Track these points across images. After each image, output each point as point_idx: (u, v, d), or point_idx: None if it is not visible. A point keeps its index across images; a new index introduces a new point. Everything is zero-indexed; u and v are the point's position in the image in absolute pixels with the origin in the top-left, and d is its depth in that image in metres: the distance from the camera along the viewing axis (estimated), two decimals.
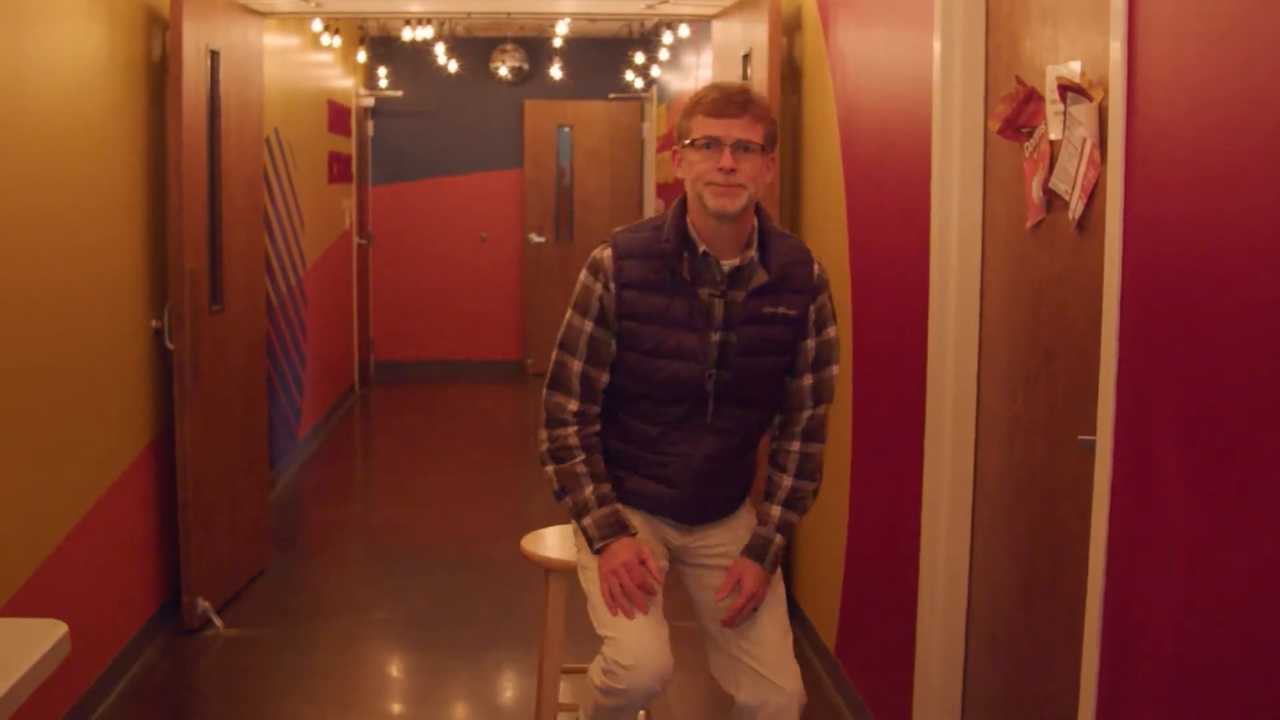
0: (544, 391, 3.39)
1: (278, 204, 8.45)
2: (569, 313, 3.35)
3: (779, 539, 3.39)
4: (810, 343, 3.35)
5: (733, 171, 3.13)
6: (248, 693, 5.18)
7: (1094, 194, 2.88)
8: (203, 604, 5.72)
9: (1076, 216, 2.97)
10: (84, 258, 4.84)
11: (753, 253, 3.26)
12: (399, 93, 12.58)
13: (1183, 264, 2.40)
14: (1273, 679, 2.13)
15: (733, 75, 6.30)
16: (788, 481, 3.42)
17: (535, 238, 13.05)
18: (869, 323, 4.63)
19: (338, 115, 11.01)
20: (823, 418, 3.43)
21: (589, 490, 3.31)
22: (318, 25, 9.49)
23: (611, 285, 3.26)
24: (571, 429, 3.32)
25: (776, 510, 3.41)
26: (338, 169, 10.99)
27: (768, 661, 3.32)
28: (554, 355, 3.37)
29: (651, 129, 12.64)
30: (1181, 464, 2.41)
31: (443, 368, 13.16)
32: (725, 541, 3.44)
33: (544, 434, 3.37)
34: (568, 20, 10.06)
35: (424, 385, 12.72)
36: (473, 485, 8.89)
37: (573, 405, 3.33)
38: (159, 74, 5.64)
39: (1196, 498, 2.36)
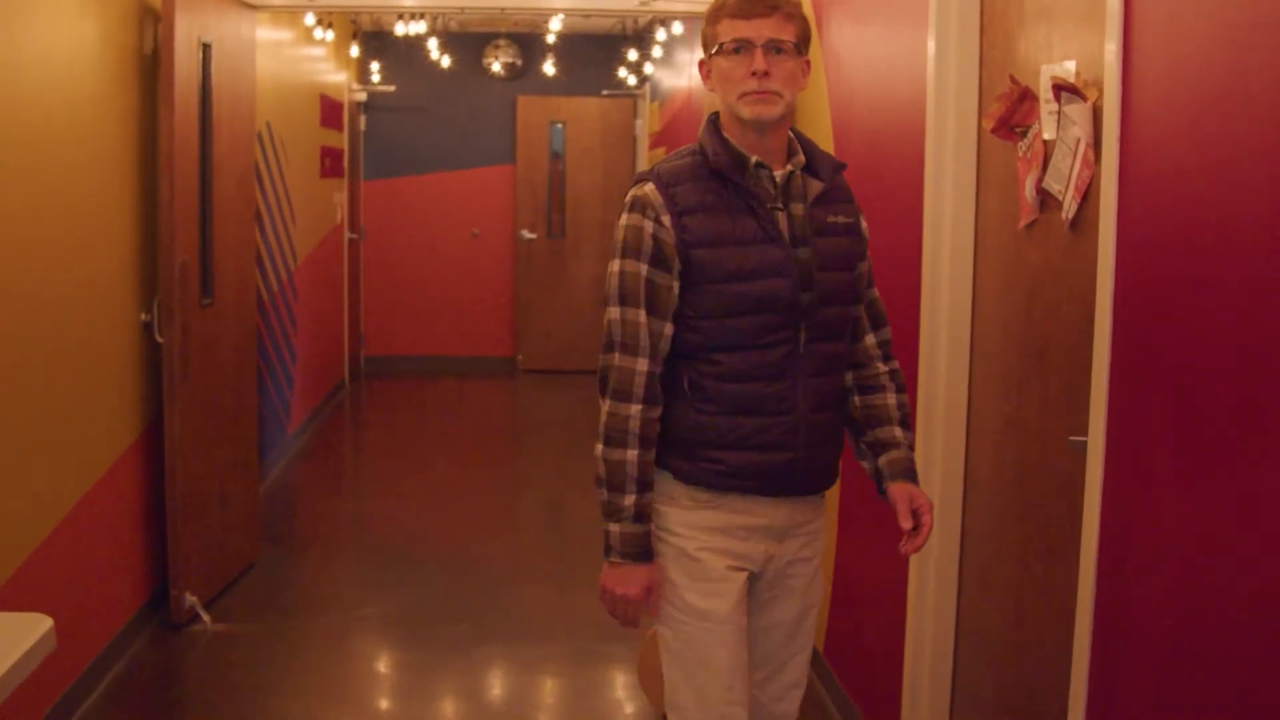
0: (601, 356, 2.98)
1: (269, 198, 8.43)
2: (616, 262, 2.96)
3: (912, 455, 3.14)
4: (865, 260, 3.13)
5: (767, 75, 2.86)
6: (235, 688, 5.17)
7: (1088, 194, 2.87)
8: (190, 598, 5.70)
9: (1070, 216, 2.97)
10: (74, 250, 4.83)
11: (800, 158, 3.00)
12: (392, 87, 12.57)
13: (1176, 265, 2.40)
14: (1263, 679, 2.12)
15: None
16: (892, 399, 3.15)
17: (527, 234, 13.04)
18: None
19: (330, 109, 10.99)
20: (890, 340, 3.22)
21: (630, 499, 2.93)
22: (310, 19, 9.47)
23: (665, 218, 2.91)
24: (635, 408, 2.92)
25: (899, 430, 3.13)
26: (330, 163, 10.97)
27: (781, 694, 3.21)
28: (609, 313, 2.96)
29: (644, 126, 12.64)
30: (1173, 465, 2.40)
31: (434, 363, 13.15)
32: (809, 555, 3.14)
33: (605, 404, 2.96)
34: (561, 16, 10.05)
35: (415, 380, 12.70)
36: (463, 481, 8.88)
37: (642, 365, 2.93)
38: (151, 66, 5.62)
39: (1188, 499, 2.35)
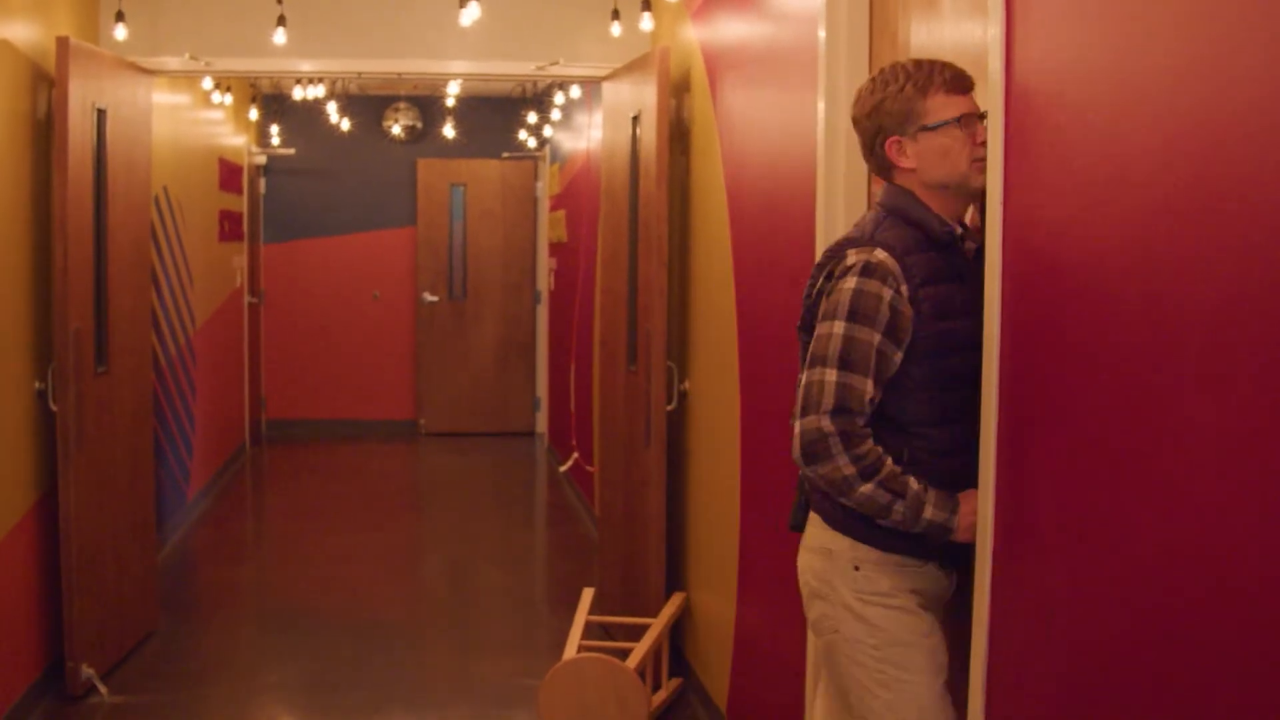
0: (815, 418, 2.85)
1: (166, 263, 8.37)
2: (842, 325, 2.84)
3: None
4: None
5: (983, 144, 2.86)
6: None
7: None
8: (87, 671, 5.61)
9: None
10: None
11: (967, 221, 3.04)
12: (292, 150, 12.53)
13: (1059, 326, 2.45)
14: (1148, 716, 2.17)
15: (623, 136, 6.35)
16: None
17: (429, 296, 13.02)
18: (757, 382, 4.67)
19: (229, 173, 10.94)
20: None
21: (914, 483, 2.84)
22: (208, 83, 9.44)
23: (904, 288, 2.84)
24: (870, 439, 2.85)
25: None
26: (229, 227, 10.91)
27: None
28: (826, 376, 2.85)
29: (545, 188, 12.68)
30: (1061, 511, 2.45)
31: (335, 427, 13.06)
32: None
33: (842, 460, 2.83)
34: (460, 80, 10.09)
35: (316, 444, 12.61)
36: (364, 545, 8.81)
37: (861, 422, 2.85)
38: (45, 132, 5.59)
39: (1078, 542, 2.39)
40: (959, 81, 2.91)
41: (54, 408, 5.49)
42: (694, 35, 5.66)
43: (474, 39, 6.59)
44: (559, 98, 10.49)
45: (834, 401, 2.83)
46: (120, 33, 6.06)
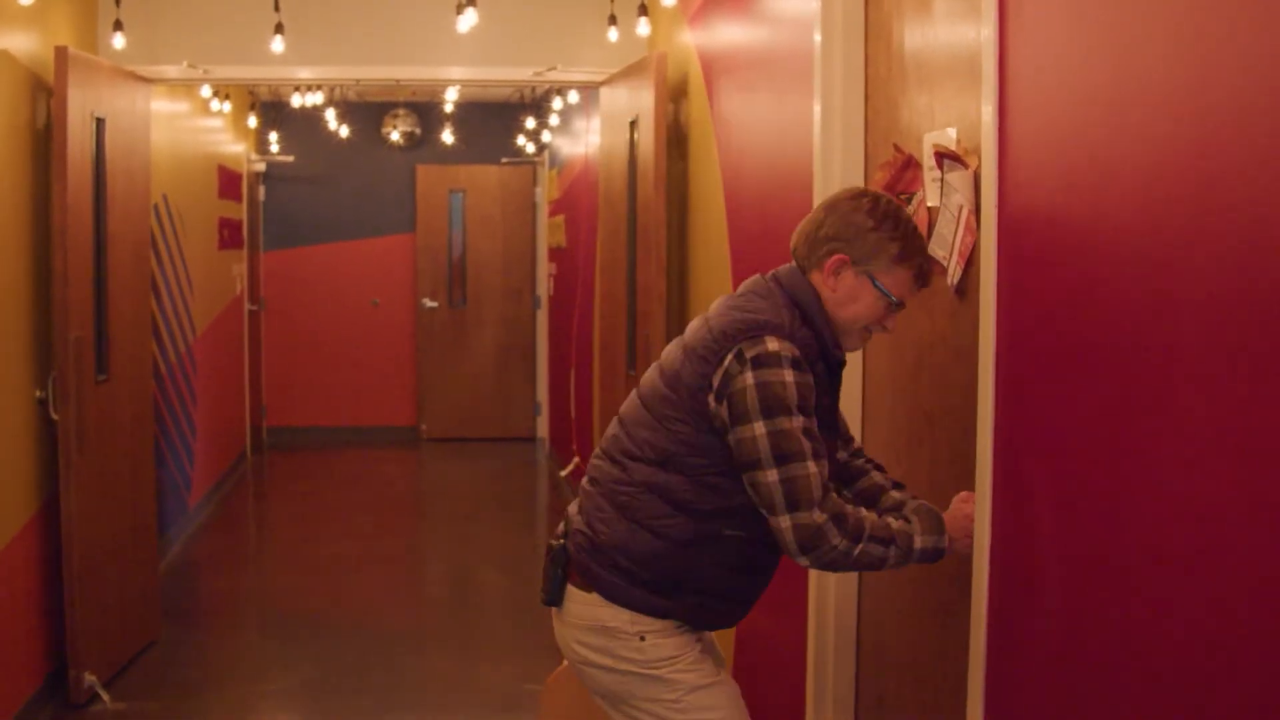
0: (788, 518, 2.83)
1: (166, 271, 8.37)
2: (767, 423, 2.82)
3: None
4: None
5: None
6: None
7: (971, 259, 2.93)
8: (89, 678, 5.62)
9: (955, 282, 3.02)
10: None
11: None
12: (290, 157, 12.53)
13: (1055, 329, 2.46)
14: None
15: (621, 141, 6.36)
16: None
17: (428, 302, 13.03)
18: None
19: (228, 180, 10.95)
20: None
21: (896, 523, 2.89)
22: (207, 91, 9.44)
23: (808, 375, 2.87)
24: (842, 503, 2.89)
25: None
26: (228, 234, 10.92)
27: None
28: (774, 476, 2.83)
29: (543, 193, 12.69)
30: (1057, 529, 2.45)
31: (336, 433, 13.06)
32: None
33: (835, 538, 2.81)
34: (458, 86, 10.10)
35: (317, 451, 12.61)
36: (366, 551, 8.81)
37: (832, 494, 2.89)
38: (44, 141, 5.60)
39: (1073, 563, 2.40)
40: (924, 277, 2.96)
41: (55, 416, 5.50)
42: (690, 40, 5.67)
43: (472, 45, 6.60)
44: (557, 103, 10.50)
45: (820, 492, 2.83)
46: (118, 42, 6.07)
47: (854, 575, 3.85)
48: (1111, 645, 2.27)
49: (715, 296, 5.15)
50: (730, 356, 2.88)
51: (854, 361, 3.76)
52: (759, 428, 2.83)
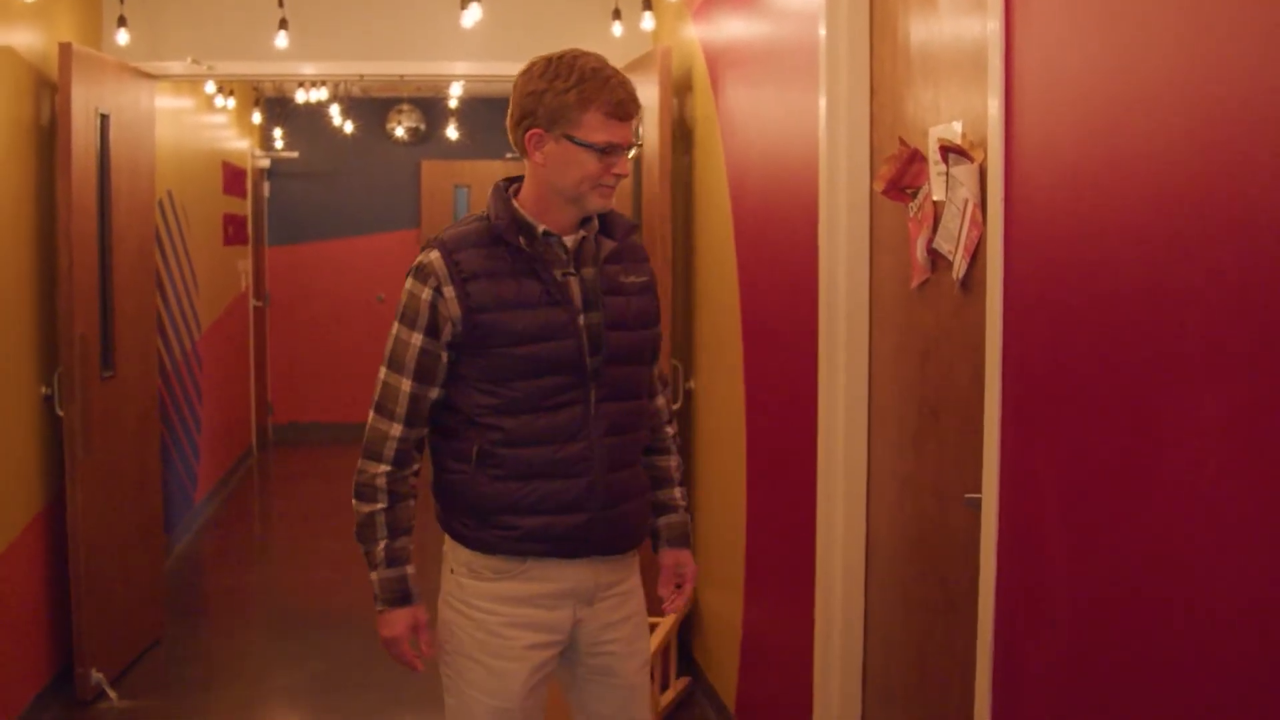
0: (370, 413, 3.09)
1: (171, 267, 8.37)
2: (395, 326, 3.05)
3: (689, 518, 3.31)
4: (658, 324, 3.19)
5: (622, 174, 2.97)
6: None
7: (976, 254, 2.93)
8: (96, 675, 5.62)
9: (960, 276, 3.02)
10: None
11: (595, 224, 3.05)
12: (295, 153, 12.52)
13: (1061, 323, 2.45)
14: None
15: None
16: (674, 460, 3.29)
17: None
18: (761, 380, 4.67)
19: (233, 177, 10.95)
20: (668, 403, 3.35)
21: (381, 546, 3.12)
22: (211, 87, 9.45)
23: (447, 287, 2.95)
24: (382, 469, 3.09)
25: (677, 492, 3.28)
26: (233, 230, 10.92)
27: None
28: (380, 373, 3.08)
29: None
30: (1063, 521, 2.45)
31: (342, 429, 13.01)
32: (622, 617, 3.16)
33: (359, 463, 3.10)
34: (462, 81, 10.09)
35: (323, 447, 12.60)
36: None
37: (396, 430, 3.06)
38: (48, 138, 5.59)
39: (1079, 554, 2.40)
40: (622, 108, 2.92)
41: (60, 413, 5.50)
42: (695, 34, 5.66)
43: (476, 40, 6.59)
44: None
45: (375, 398, 3.07)
46: (122, 38, 6.07)
47: (860, 568, 3.85)
48: (1118, 639, 2.27)
49: (720, 289, 5.17)
50: None
51: (859, 353, 3.76)
52: (391, 329, 3.07)
